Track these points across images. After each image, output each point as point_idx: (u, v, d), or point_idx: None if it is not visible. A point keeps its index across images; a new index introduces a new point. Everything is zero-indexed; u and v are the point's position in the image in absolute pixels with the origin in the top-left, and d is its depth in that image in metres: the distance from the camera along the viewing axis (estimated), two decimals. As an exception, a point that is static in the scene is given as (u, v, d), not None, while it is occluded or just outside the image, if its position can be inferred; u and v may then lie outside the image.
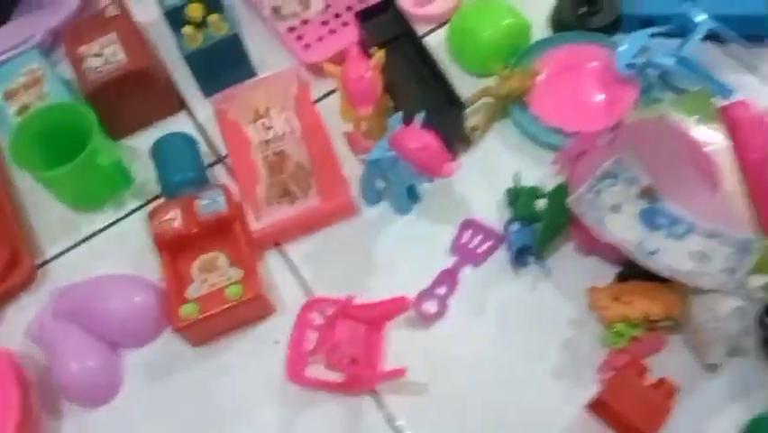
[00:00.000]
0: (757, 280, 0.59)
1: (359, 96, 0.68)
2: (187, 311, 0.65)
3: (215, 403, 0.67)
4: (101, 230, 0.79)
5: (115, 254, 0.76)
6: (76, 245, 0.78)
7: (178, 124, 0.84)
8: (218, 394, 0.67)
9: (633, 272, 0.65)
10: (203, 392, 0.67)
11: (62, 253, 0.78)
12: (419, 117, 0.65)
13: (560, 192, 0.66)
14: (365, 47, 0.76)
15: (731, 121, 0.70)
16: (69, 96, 0.79)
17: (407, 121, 0.66)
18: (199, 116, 0.85)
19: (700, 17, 0.73)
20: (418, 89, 0.76)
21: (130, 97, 0.79)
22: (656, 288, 0.63)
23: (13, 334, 0.72)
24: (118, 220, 0.79)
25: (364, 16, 0.80)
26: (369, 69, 0.68)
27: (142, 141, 0.82)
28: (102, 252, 0.77)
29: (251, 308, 0.68)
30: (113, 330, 0.70)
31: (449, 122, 0.73)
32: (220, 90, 0.82)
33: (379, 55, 0.70)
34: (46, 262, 0.77)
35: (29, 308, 0.73)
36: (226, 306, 0.65)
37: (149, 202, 0.79)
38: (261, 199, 0.74)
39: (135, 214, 0.79)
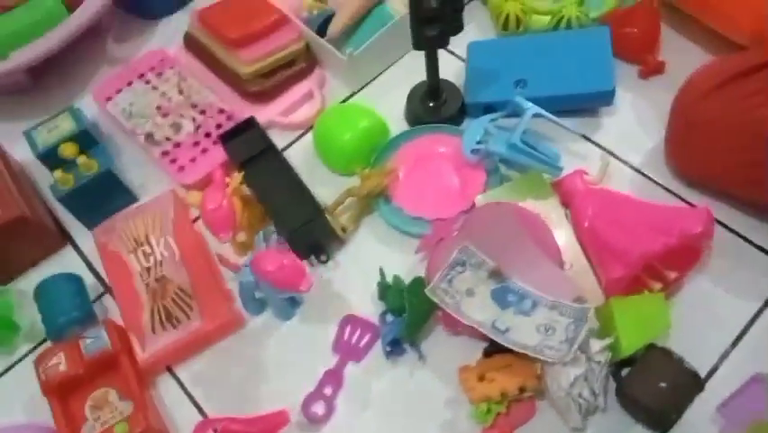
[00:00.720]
0: (597, 345, 0.65)
1: (217, 225, 0.73)
2: (78, 456, 0.66)
3: None
4: (-6, 379, 0.80)
5: (9, 403, 0.77)
6: (-30, 398, 0.79)
7: (63, 258, 0.87)
8: None
9: (497, 348, 0.70)
10: None
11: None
12: (273, 238, 0.69)
13: (417, 285, 0.72)
14: (231, 166, 0.82)
15: (564, 193, 0.78)
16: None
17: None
18: (84, 248, 0.87)
19: (527, 104, 0.81)
20: (284, 200, 0.81)
21: (9, 245, 0.81)
22: (516, 360, 0.68)
23: None
24: (9, 368, 0.80)
25: (227, 137, 0.85)
26: (225, 197, 0.73)
27: (28, 282, 0.83)
28: (-3, 401, 0.78)
29: (144, 442, 0.70)
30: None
31: (316, 228, 0.78)
32: (102, 221, 0.85)
33: (236, 180, 0.75)
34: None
35: None
36: (116, 445, 0.67)
37: (40, 344, 0.81)
38: (146, 328, 0.76)
39: (26, 359, 0.80)
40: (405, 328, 0.72)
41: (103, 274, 0.85)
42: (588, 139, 0.86)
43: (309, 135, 0.92)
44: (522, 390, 0.66)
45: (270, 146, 0.84)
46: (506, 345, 0.66)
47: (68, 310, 0.77)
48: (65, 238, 0.88)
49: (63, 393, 0.72)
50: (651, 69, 0.89)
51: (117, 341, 0.74)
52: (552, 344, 0.65)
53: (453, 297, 0.70)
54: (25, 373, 0.78)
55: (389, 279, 0.77)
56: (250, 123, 0.86)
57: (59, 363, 0.72)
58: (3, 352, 0.81)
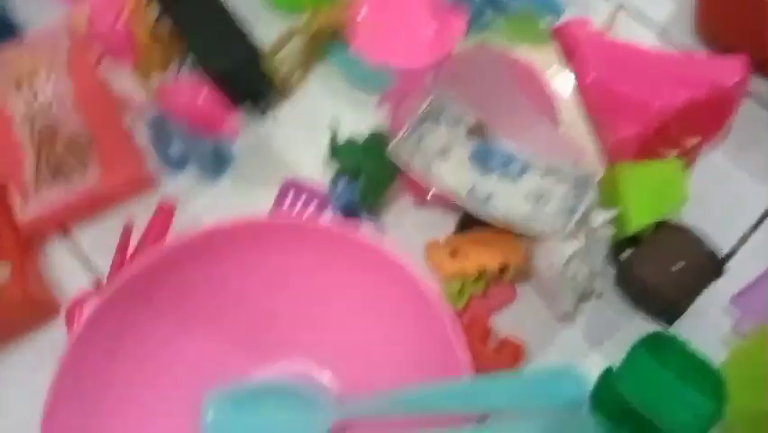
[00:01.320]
0: (599, 217, 0.52)
1: (113, 49, 0.55)
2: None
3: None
4: None
5: None
6: None
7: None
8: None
9: (473, 220, 0.57)
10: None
11: None
12: (185, 66, 0.53)
13: (376, 141, 0.57)
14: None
15: (565, 41, 0.63)
16: None
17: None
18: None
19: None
20: (211, 36, 0.63)
21: None
22: (497, 235, 0.55)
23: None
24: None
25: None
26: (119, 17, 0.55)
27: None
28: None
29: (23, 312, 0.55)
30: None
31: (250, 70, 0.62)
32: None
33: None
34: None
35: None
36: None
37: None
38: (29, 182, 0.60)
39: None
40: (360, 191, 0.58)
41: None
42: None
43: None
44: (503, 269, 0.54)
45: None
46: (486, 217, 0.53)
47: None
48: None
49: None
50: None
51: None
52: (545, 215, 0.52)
53: (422, 158, 0.56)
54: None
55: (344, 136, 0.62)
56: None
57: None
58: None
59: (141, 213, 0.61)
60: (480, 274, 0.54)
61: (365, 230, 0.59)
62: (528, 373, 0.53)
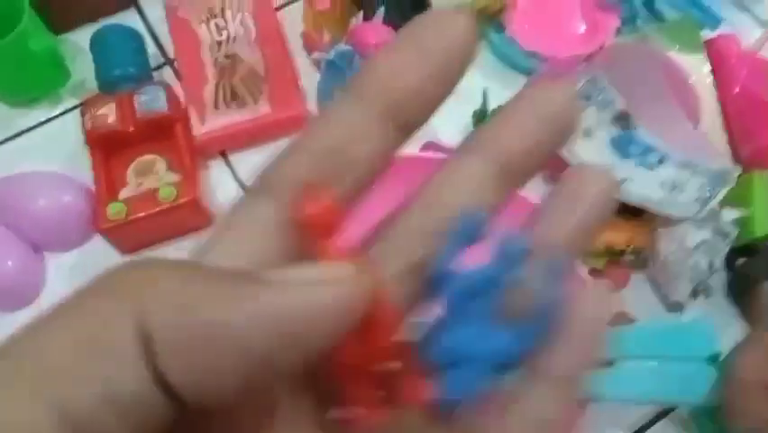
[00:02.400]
0: (730, 214, 0.55)
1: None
2: (115, 211, 0.59)
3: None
4: (33, 127, 0.72)
5: (46, 153, 0.69)
6: (3, 142, 0.71)
7: (126, 21, 0.76)
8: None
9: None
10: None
11: (-10, 148, 0.71)
12: (380, 12, 0.59)
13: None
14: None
15: (717, 53, 0.66)
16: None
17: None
18: (150, 15, 0.78)
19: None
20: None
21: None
22: (622, 219, 0.59)
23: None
24: (52, 118, 0.72)
25: None
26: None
27: (85, 36, 0.74)
28: (32, 149, 0.71)
29: (186, 216, 0.62)
30: (37, 230, 0.64)
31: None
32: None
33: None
34: (-28, 156, 0.71)
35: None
36: (157, 209, 0.60)
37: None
38: (208, 102, 0.68)
39: (71, 113, 0.72)
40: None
41: (166, 46, 0.75)
42: (747, 10, 0.73)
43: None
44: (629, 247, 0.57)
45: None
46: (621, 196, 0.57)
47: (125, 64, 0.68)
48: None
49: (107, 148, 0.65)
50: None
51: (176, 106, 0.66)
52: (679, 201, 0.55)
53: (567, 133, 0.60)
54: (67, 127, 0.71)
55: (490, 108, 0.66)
56: None
57: (109, 114, 0.64)
58: (47, 97, 0.73)
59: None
60: (605, 250, 0.57)
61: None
62: (664, 323, 0.56)
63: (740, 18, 0.73)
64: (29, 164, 0.68)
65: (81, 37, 0.75)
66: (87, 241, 0.65)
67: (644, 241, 0.57)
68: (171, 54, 0.75)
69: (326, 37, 0.70)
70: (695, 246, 0.53)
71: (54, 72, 0.71)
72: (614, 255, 0.58)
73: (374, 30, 0.58)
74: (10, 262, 0.62)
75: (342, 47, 0.59)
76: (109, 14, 0.77)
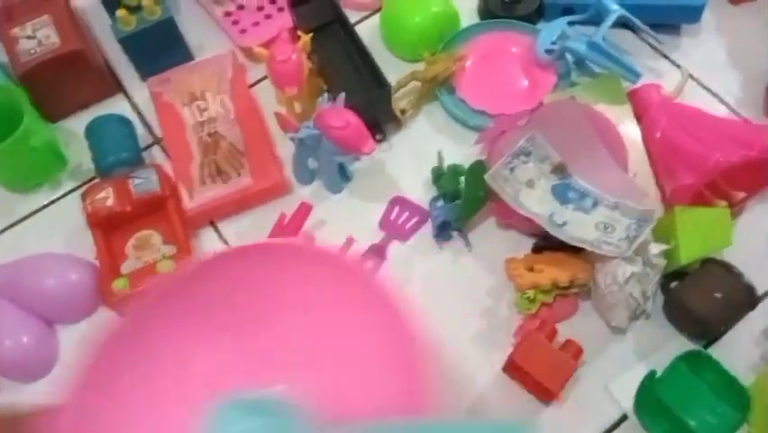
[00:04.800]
0: (656, 248, 0.64)
1: (284, 77, 0.71)
2: (119, 286, 0.66)
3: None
4: (35, 211, 0.79)
5: (49, 235, 0.77)
6: (9, 227, 0.79)
7: (115, 106, 0.85)
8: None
9: (547, 244, 0.69)
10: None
11: (-3, 234, 0.78)
12: (341, 97, 0.68)
13: (478, 168, 0.70)
14: (297, 32, 0.79)
15: (639, 102, 0.75)
16: (4, 78, 0.80)
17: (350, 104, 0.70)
18: (136, 99, 0.86)
19: (614, 6, 0.77)
20: (349, 72, 0.79)
21: (64, 80, 0.80)
22: (566, 257, 0.67)
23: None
24: (53, 201, 0.80)
25: (297, 2, 0.82)
26: (294, 51, 0.71)
27: (78, 123, 0.82)
28: (36, 232, 0.78)
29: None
30: (48, 307, 0.71)
31: (378, 103, 0.76)
32: (156, 73, 0.83)
33: (306, 38, 0.73)
34: (-21, 243, 0.78)
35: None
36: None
37: (84, 184, 0.80)
38: (195, 179, 0.76)
39: (70, 195, 0.80)
40: (458, 211, 0.71)
41: (153, 126, 0.84)
42: (666, 57, 0.83)
43: (374, 18, 0.89)
44: (572, 282, 0.65)
45: (341, 17, 0.82)
46: (562, 238, 0.65)
47: (119, 150, 0.76)
48: (118, 85, 0.87)
49: (107, 228, 0.72)
50: (742, -7, 0.85)
51: (166, 185, 0.73)
52: (610, 240, 0.64)
53: (513, 186, 0.68)
54: (67, 209, 0.78)
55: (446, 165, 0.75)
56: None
57: (108, 197, 0.72)
58: (46, 184, 0.80)
59: (277, 213, 0.76)
60: (552, 286, 0.66)
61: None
62: (484, 422, 0.58)
63: (660, 65, 0.82)
64: (34, 245, 0.75)
65: (74, 124, 0.84)
66: (95, 311, 0.72)
67: (586, 275, 0.66)
68: (159, 134, 0.83)
69: (298, 109, 0.78)
70: (626, 279, 0.62)
71: (53, 161, 0.79)
72: (561, 289, 0.67)
73: (336, 114, 0.67)
74: (25, 338, 0.69)
75: (311, 129, 0.67)
76: (99, 100, 0.85)
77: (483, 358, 0.67)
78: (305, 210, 0.72)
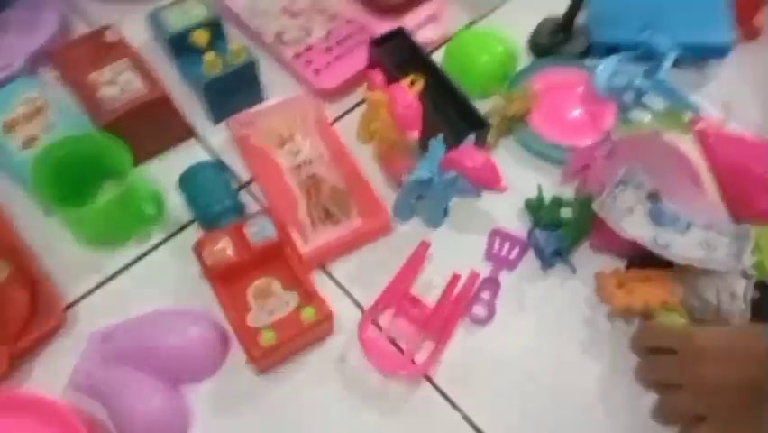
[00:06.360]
0: (750, 260, 0.73)
1: (407, 122, 0.73)
2: (267, 338, 0.65)
3: (293, 427, 0.68)
4: (127, 266, 0.75)
5: (148, 290, 0.73)
6: (101, 284, 0.74)
7: (190, 150, 0.82)
8: (294, 418, 0.68)
9: (638, 262, 0.76)
10: (280, 418, 0.68)
11: (88, 294, 0.73)
12: (471, 138, 0.71)
13: (586, 201, 0.76)
14: (379, 72, 0.81)
15: (697, 133, 0.85)
16: (87, 126, 0.75)
17: (447, 143, 0.73)
18: (212, 142, 0.84)
19: (669, 45, 0.86)
20: (439, 112, 0.82)
21: (147, 126, 0.77)
22: (655, 275, 0.74)
23: (50, 384, 0.67)
24: (143, 255, 0.76)
25: (377, 42, 0.84)
26: (413, 97, 0.73)
27: (156, 170, 0.80)
28: (132, 288, 0.74)
29: (319, 330, 0.70)
30: (172, 366, 0.67)
31: (479, 141, 0.80)
32: (227, 117, 0.82)
33: (420, 83, 0.75)
34: (70, 304, 0.72)
35: (61, 355, 0.69)
36: (302, 329, 0.67)
37: (174, 234, 0.77)
38: (306, 223, 0.75)
39: (161, 247, 0.76)
40: (568, 239, 0.76)
41: (237, 168, 0.82)
42: (702, 91, 0.93)
43: (435, 54, 0.93)
44: (664, 305, 0.72)
45: (424, 56, 0.84)
46: (669, 258, 0.72)
47: (222, 198, 0.74)
48: (192, 129, 0.84)
49: (227, 279, 0.70)
50: (751, 32, 0.97)
51: (281, 231, 0.73)
52: (717, 257, 0.72)
53: (616, 213, 0.75)
54: (163, 262, 0.75)
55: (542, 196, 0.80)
56: (398, 31, 0.85)
57: (226, 248, 0.70)
58: (135, 240, 0.76)
59: (382, 252, 0.77)
60: (645, 309, 0.72)
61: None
62: None
63: (700, 99, 0.92)
64: (131, 304, 0.71)
65: (151, 171, 0.80)
66: (219, 368, 0.70)
67: (675, 299, 0.72)
68: (242, 178, 0.81)
69: (407, 162, 0.79)
70: (744, 293, 0.70)
71: (153, 214, 0.75)
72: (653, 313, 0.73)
73: (471, 154, 0.70)
74: (156, 402, 0.65)
75: (431, 170, 0.70)
76: (174, 145, 0.82)
77: (603, 371, 0.72)
78: (424, 248, 0.74)
